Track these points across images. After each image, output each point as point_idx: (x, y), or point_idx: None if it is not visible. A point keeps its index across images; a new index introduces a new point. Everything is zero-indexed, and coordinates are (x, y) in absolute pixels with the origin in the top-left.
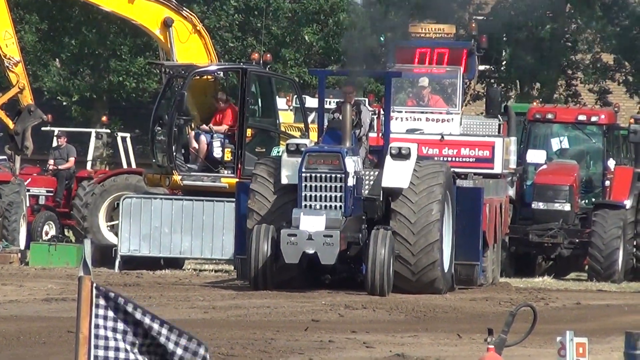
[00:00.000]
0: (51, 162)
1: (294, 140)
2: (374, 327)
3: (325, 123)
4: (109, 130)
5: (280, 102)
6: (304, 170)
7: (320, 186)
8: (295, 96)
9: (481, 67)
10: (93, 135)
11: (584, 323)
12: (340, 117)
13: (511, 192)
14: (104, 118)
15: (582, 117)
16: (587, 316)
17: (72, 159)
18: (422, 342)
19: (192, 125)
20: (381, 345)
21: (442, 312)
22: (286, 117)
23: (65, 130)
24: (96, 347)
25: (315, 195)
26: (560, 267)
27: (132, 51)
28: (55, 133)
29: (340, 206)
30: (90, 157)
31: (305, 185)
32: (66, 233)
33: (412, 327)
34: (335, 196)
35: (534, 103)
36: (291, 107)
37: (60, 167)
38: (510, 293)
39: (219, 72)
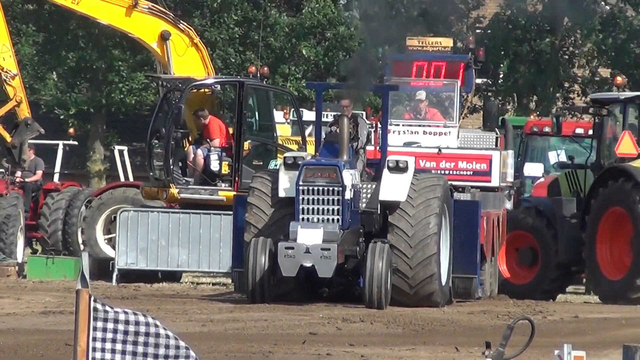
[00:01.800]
0: (18, 174)
1: (291, 154)
2: (371, 340)
3: (323, 136)
4: (76, 142)
5: (278, 115)
6: (301, 183)
7: (318, 199)
8: (293, 109)
9: (478, 80)
10: (60, 147)
11: (582, 336)
12: (338, 131)
13: (509, 205)
14: (71, 130)
15: (579, 130)
16: (584, 329)
17: (39, 172)
18: (419, 356)
19: (190, 139)
20: (379, 358)
21: (439, 325)
22: (284, 130)
23: (33, 142)
24: None
25: (313, 209)
26: None
27: (131, 66)
28: None
29: (338, 219)
30: (57, 169)
31: (303, 199)
32: (34, 246)
33: (410, 340)
34: (333, 209)
35: (532, 116)
36: (288, 120)
37: (27, 179)
38: (508, 306)
39: (216, 85)
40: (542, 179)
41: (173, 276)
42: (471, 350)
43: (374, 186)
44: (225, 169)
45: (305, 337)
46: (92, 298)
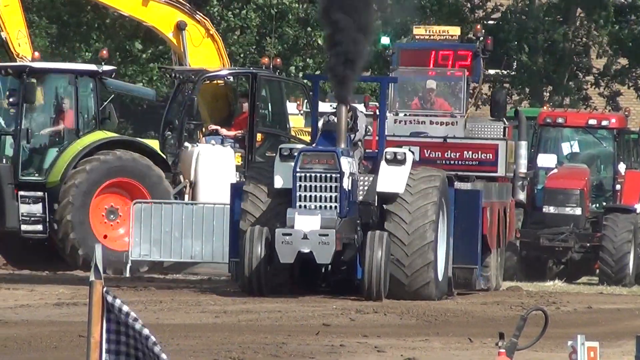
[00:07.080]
0: None
1: (286, 145)
2: (385, 331)
3: (320, 125)
4: None
5: (291, 107)
6: (298, 169)
7: (315, 186)
8: (306, 100)
9: (492, 72)
10: None
11: (595, 327)
12: (335, 120)
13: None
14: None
15: (592, 122)
16: (598, 320)
17: None
18: (433, 347)
19: (203, 130)
20: (392, 349)
21: (453, 316)
22: (297, 121)
23: None
24: (108, 352)
25: (310, 196)
26: (572, 271)
27: (147, 58)
28: None
29: (336, 206)
30: None
31: (300, 185)
32: None
33: (423, 331)
34: (331, 196)
35: (545, 107)
36: (302, 112)
37: None
38: (521, 297)
39: (229, 77)
40: (555, 170)
41: (186, 268)
42: (484, 341)
43: (371, 178)
44: (238, 160)
45: (318, 328)
46: (106, 290)
